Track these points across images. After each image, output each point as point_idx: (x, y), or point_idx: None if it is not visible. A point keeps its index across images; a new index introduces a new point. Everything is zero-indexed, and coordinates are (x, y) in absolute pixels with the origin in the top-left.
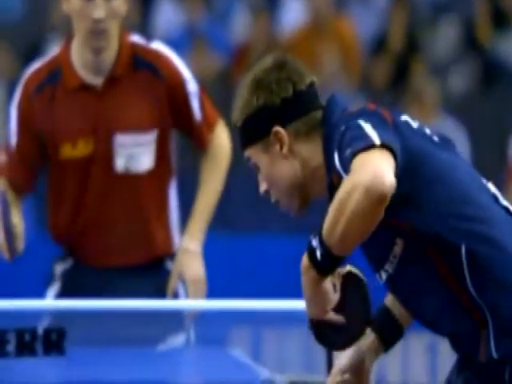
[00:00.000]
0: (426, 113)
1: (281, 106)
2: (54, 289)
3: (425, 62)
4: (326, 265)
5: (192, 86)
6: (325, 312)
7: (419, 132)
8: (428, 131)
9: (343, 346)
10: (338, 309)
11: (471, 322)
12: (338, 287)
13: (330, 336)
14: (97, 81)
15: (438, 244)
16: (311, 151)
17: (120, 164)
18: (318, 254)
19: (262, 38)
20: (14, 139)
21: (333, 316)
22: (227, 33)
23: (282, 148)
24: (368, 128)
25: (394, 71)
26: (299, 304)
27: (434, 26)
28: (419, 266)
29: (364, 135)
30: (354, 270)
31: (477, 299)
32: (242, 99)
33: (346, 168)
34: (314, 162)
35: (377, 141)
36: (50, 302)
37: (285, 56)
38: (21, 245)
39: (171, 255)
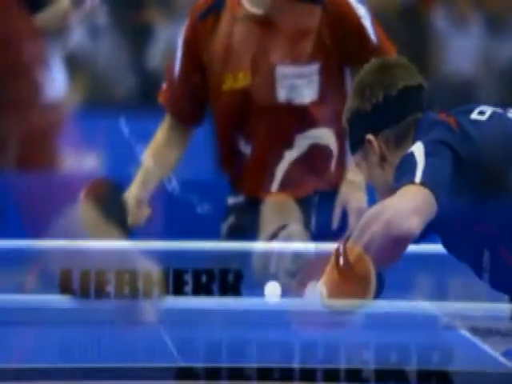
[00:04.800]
0: None
1: (372, 113)
2: (225, 223)
3: None
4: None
5: (361, 9)
6: None
7: (495, 120)
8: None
9: None
10: None
11: None
12: None
13: None
14: (259, 10)
15: None
16: None
17: (282, 95)
18: (341, 261)
19: None
20: (177, 67)
21: None
22: None
23: (375, 155)
24: (420, 157)
25: None
26: None
27: None
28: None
29: (412, 170)
30: None
31: None
32: (347, 101)
33: None
34: None
35: (417, 179)
36: (225, 243)
37: (396, 57)
38: (134, 220)
39: None
